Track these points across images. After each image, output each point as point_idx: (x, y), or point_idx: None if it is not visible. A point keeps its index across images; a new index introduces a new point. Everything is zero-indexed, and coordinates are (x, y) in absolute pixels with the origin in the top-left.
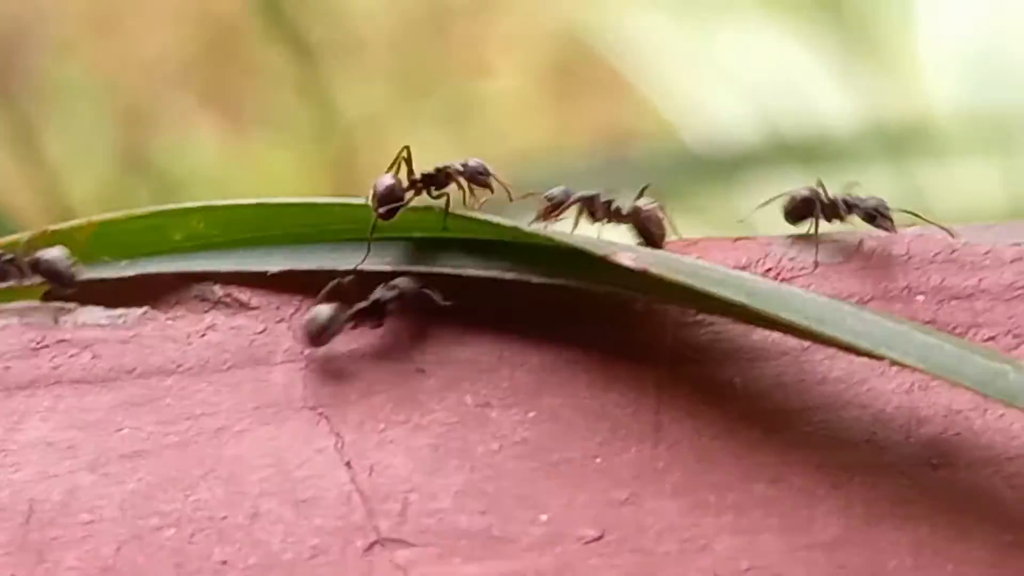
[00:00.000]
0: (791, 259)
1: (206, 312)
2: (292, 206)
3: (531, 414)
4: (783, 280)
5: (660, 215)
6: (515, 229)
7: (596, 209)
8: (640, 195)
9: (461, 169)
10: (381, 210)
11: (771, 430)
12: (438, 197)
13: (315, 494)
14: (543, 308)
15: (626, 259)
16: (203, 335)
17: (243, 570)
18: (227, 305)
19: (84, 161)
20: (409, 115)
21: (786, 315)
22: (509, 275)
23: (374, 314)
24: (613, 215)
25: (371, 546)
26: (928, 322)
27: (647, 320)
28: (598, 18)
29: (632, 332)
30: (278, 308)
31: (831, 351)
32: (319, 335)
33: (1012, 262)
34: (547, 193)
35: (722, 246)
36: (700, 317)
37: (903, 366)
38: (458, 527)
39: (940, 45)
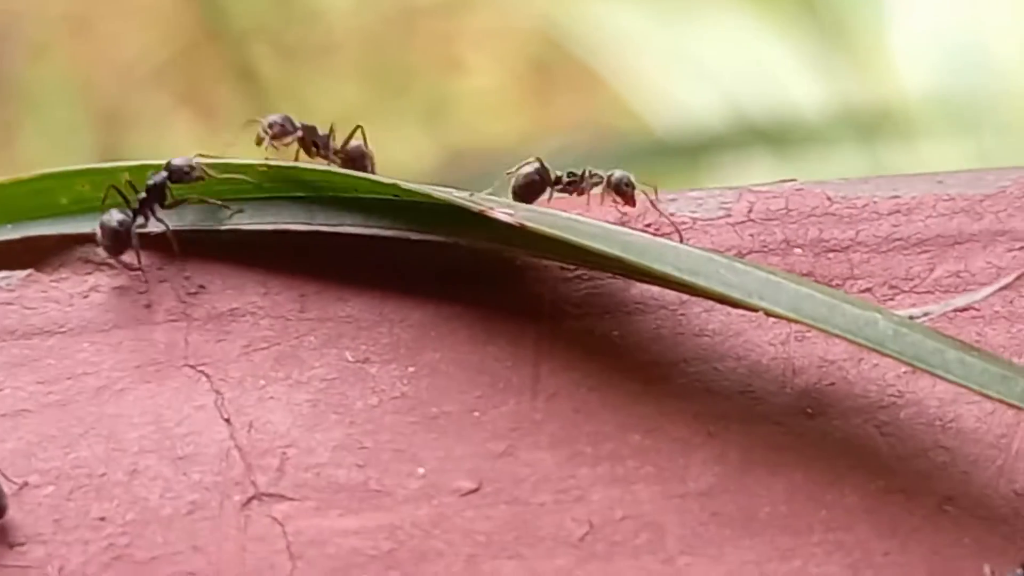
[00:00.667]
0: (671, 214)
1: (89, 274)
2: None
3: (410, 369)
4: (662, 235)
5: (366, 151)
6: (394, 186)
7: (316, 144)
8: (352, 135)
9: (605, 177)
10: (515, 195)
11: (648, 382)
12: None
13: (194, 450)
14: (423, 265)
15: (503, 214)
16: (86, 296)
17: (121, 525)
18: (110, 267)
19: (61, 162)
20: (383, 113)
21: (660, 267)
22: (388, 232)
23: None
24: (325, 151)
25: (249, 501)
26: (806, 274)
27: (527, 275)
28: (570, 14)
29: (512, 287)
30: (160, 268)
31: (709, 304)
32: (114, 241)
33: (889, 214)
34: (268, 120)
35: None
36: (579, 272)
37: (775, 316)
38: (335, 481)
39: (911, 33)
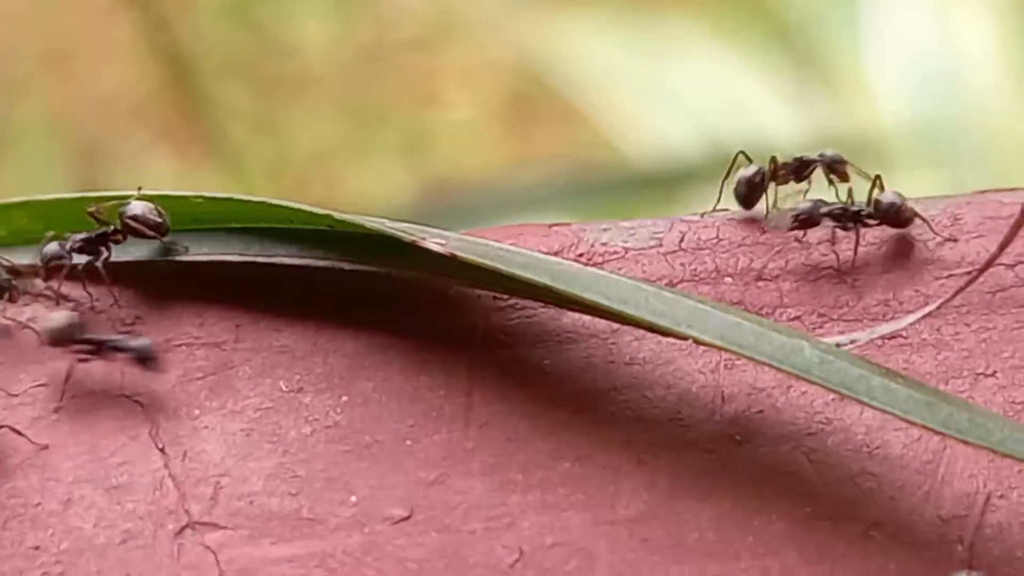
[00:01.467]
0: (603, 244)
1: (26, 305)
2: (112, 198)
3: (344, 398)
4: (595, 264)
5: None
6: (328, 216)
7: None
8: None
9: (818, 159)
10: (742, 198)
11: (579, 410)
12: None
13: (128, 480)
14: (357, 295)
15: (434, 244)
16: (24, 327)
17: (55, 555)
18: (48, 298)
19: None
20: (362, 147)
21: (589, 296)
22: (323, 263)
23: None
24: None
25: (182, 529)
26: (736, 303)
27: (460, 305)
28: (547, 48)
29: (445, 317)
30: (97, 299)
31: (640, 333)
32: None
33: (819, 244)
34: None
35: (537, 232)
36: (512, 301)
37: (704, 344)
38: (268, 509)
39: (886, 63)
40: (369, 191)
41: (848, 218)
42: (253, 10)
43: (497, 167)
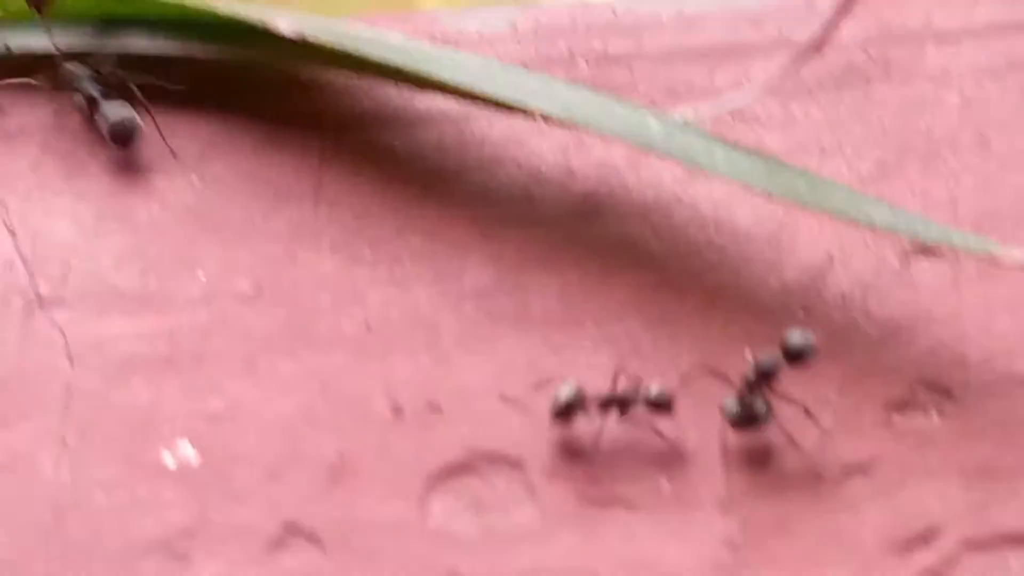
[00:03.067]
0: (458, 30)
1: None
2: None
3: (195, 180)
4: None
5: None
6: (178, 5)
7: None
8: None
9: None
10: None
11: (429, 188)
12: None
13: None
14: (210, 81)
15: (283, 25)
16: None
17: None
18: None
19: None
20: None
21: (437, 73)
22: (175, 51)
23: None
24: None
25: (30, 308)
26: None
27: (312, 89)
28: None
29: (298, 101)
30: None
31: (494, 116)
32: None
33: (673, 26)
34: None
35: (392, 19)
36: (365, 85)
37: (550, 119)
38: (116, 287)
39: None
40: None
41: None
42: None
43: None
